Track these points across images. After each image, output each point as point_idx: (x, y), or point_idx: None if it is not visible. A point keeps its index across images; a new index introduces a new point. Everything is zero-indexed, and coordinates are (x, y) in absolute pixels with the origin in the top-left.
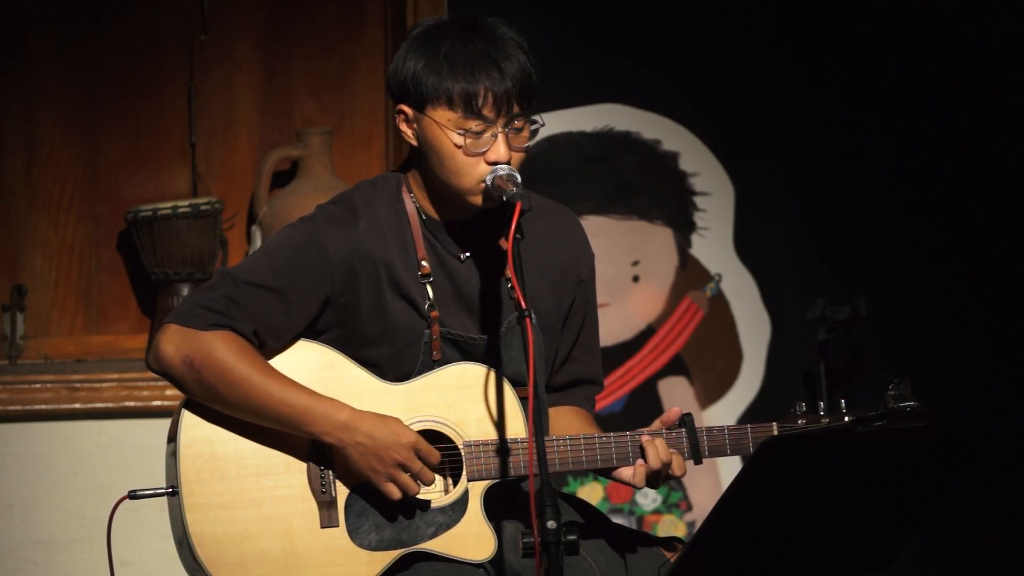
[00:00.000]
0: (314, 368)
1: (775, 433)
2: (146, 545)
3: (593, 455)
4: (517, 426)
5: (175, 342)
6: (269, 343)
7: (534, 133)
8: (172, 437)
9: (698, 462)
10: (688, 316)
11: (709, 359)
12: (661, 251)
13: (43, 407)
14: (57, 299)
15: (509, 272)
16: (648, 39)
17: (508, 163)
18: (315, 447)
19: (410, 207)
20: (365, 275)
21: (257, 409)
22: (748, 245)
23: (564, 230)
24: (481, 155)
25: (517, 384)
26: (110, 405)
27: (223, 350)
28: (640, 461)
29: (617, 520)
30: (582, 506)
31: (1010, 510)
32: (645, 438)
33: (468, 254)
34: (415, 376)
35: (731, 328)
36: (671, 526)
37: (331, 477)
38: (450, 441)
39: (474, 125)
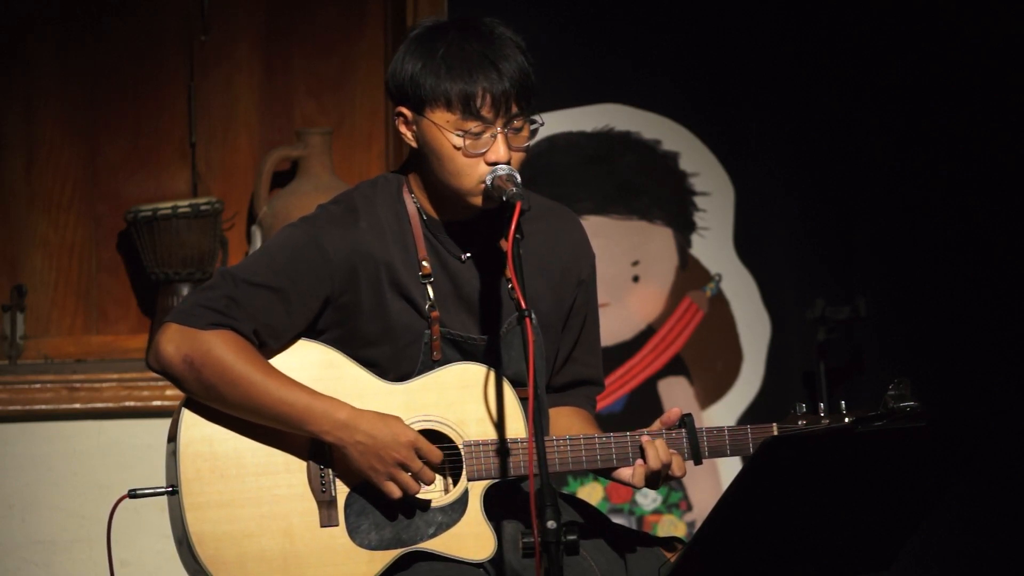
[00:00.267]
0: (314, 368)
1: (775, 434)
2: (146, 545)
3: (593, 455)
4: (517, 426)
5: (175, 341)
6: (269, 343)
7: (534, 133)
8: (172, 436)
9: (698, 463)
10: (688, 316)
11: (709, 359)
12: (661, 251)
13: (43, 407)
14: (57, 299)
15: (509, 272)
16: (648, 39)
17: (508, 163)
18: (315, 446)
19: (411, 207)
20: (365, 275)
21: (257, 408)
22: (748, 245)
23: (564, 230)
24: (481, 156)
25: (517, 384)
26: (110, 405)
27: (223, 349)
28: (640, 461)
29: (617, 520)
30: (582, 506)
31: (1010, 510)
32: (645, 439)
33: (468, 254)
34: (415, 376)
35: (731, 328)
36: (671, 526)
37: (331, 476)
38: (450, 441)
39: (473, 126)
